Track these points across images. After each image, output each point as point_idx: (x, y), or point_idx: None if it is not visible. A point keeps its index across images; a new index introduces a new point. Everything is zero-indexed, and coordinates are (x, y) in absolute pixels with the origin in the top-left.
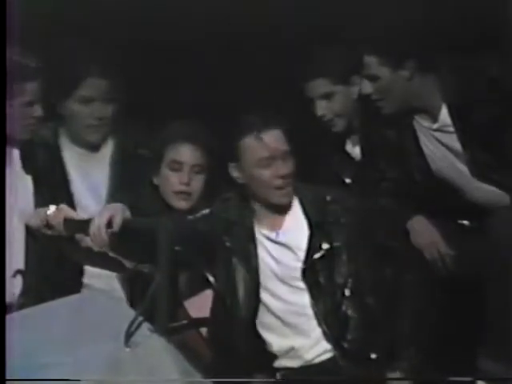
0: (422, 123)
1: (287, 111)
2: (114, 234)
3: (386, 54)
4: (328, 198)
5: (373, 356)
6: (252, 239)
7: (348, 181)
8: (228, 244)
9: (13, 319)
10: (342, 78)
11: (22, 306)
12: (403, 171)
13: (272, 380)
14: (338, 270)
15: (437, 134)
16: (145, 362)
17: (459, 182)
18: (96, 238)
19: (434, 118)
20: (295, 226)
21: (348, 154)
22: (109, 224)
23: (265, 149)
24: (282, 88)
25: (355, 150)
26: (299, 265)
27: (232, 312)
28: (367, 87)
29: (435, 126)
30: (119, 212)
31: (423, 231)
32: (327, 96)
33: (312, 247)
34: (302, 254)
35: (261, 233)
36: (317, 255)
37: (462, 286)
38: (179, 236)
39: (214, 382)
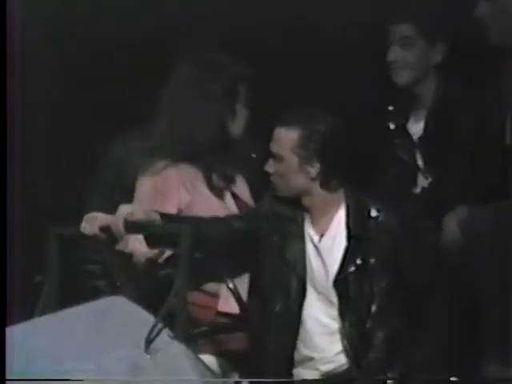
0: None
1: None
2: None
3: None
4: (373, 213)
5: (389, 377)
6: (302, 238)
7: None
8: (276, 242)
9: (36, 324)
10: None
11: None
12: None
13: (284, 380)
14: (367, 286)
15: None
16: (165, 368)
17: None
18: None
19: None
20: (337, 235)
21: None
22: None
23: None
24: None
25: (416, 128)
26: (331, 276)
27: (276, 313)
28: None
29: None
30: (143, 212)
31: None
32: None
33: (346, 260)
34: (335, 266)
35: (308, 233)
36: (350, 269)
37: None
38: (205, 240)
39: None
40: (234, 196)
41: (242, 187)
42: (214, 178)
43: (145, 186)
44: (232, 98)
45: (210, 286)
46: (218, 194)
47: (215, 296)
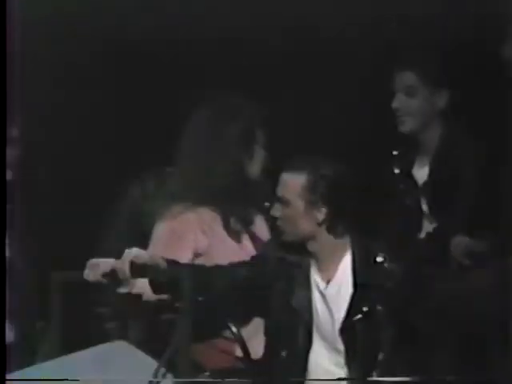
0: None
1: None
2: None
3: None
4: (378, 259)
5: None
6: (308, 285)
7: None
8: (282, 288)
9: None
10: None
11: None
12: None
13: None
14: (374, 334)
15: None
16: None
17: None
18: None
19: None
20: (343, 281)
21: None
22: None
23: None
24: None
25: (421, 173)
26: (338, 323)
27: (282, 359)
28: None
29: None
30: (149, 256)
31: None
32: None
33: (353, 307)
34: (341, 313)
35: (314, 278)
36: (356, 316)
37: None
38: (210, 287)
39: None
40: (253, 237)
41: (261, 227)
42: (232, 220)
43: (162, 230)
44: (249, 140)
45: (226, 332)
46: (236, 236)
47: (233, 341)
